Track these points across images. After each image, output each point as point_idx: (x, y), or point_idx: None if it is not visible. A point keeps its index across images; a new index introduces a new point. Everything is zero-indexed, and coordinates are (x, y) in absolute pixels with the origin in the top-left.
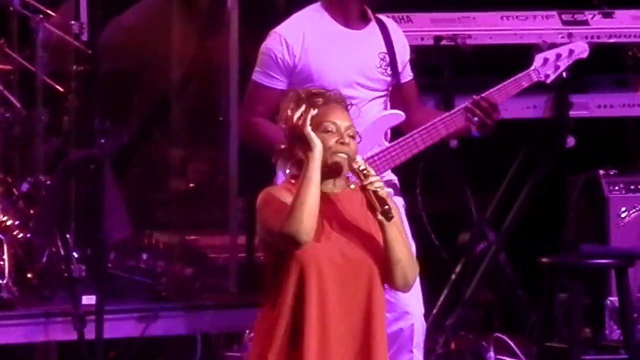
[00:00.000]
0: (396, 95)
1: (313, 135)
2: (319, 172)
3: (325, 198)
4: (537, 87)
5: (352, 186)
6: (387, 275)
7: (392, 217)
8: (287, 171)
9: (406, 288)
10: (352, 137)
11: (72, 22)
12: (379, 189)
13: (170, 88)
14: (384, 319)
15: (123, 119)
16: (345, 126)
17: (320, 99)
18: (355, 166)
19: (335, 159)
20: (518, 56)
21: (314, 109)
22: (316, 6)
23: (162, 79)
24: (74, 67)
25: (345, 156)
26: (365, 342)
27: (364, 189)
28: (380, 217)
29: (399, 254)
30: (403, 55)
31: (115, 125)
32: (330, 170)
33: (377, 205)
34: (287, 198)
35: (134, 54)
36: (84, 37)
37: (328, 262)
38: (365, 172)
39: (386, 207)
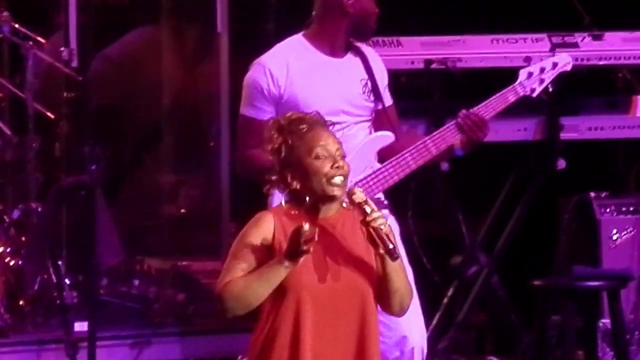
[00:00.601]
0: (380, 120)
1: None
2: (280, 279)
3: (319, 224)
4: (528, 110)
5: (344, 205)
6: (383, 301)
7: (397, 257)
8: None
9: (402, 313)
10: (343, 157)
11: (62, 48)
12: (381, 226)
13: (160, 116)
14: (377, 339)
15: (114, 148)
16: (335, 148)
17: (304, 125)
18: (356, 200)
19: (332, 189)
20: (508, 79)
21: (299, 138)
22: (298, 36)
23: (153, 108)
24: (65, 93)
25: (342, 180)
26: None
27: (365, 224)
28: (382, 252)
29: (397, 284)
30: (382, 79)
31: (106, 153)
32: (327, 198)
33: (379, 243)
34: (267, 230)
35: (123, 87)
36: (74, 64)
37: (321, 288)
38: (366, 207)
39: (390, 246)
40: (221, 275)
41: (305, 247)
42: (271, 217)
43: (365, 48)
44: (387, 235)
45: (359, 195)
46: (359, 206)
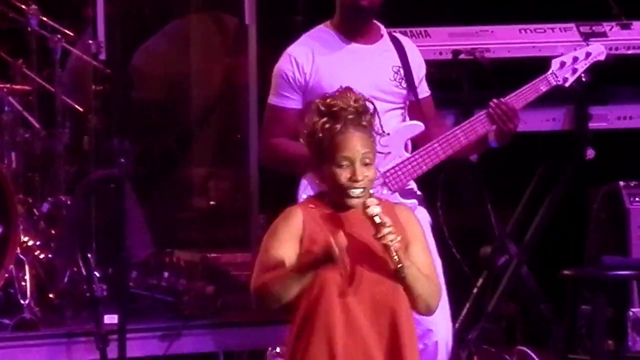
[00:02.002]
0: (414, 111)
1: (334, 249)
2: (314, 270)
3: (337, 219)
4: (556, 100)
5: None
6: (409, 303)
7: (403, 276)
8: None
9: (429, 314)
10: (368, 164)
11: (90, 41)
12: (391, 243)
13: (191, 109)
14: (412, 332)
15: (152, 142)
16: (360, 155)
17: (338, 125)
18: (368, 213)
19: (348, 200)
20: (536, 69)
21: (328, 137)
22: (324, 25)
23: (184, 101)
24: (93, 86)
25: (359, 192)
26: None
27: (376, 238)
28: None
29: (418, 290)
30: (418, 70)
31: (137, 147)
32: (344, 207)
33: (389, 259)
34: (297, 224)
35: (164, 81)
36: (102, 57)
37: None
38: (379, 222)
39: (399, 266)
40: (255, 271)
41: (336, 258)
42: (300, 212)
43: (402, 38)
44: (397, 252)
45: (372, 210)
46: (371, 220)
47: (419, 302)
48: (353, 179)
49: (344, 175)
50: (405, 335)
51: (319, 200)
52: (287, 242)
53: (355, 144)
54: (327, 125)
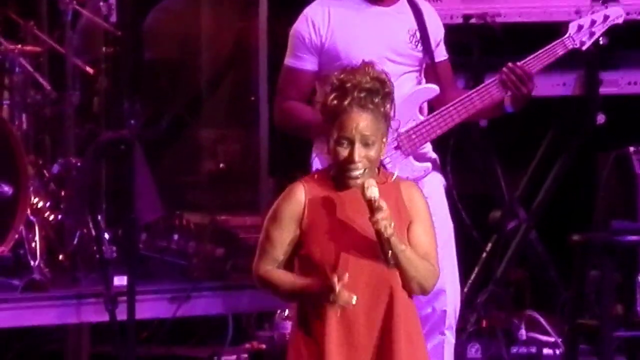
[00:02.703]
0: (430, 74)
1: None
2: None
3: (337, 199)
4: (567, 65)
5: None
6: (403, 283)
7: (392, 264)
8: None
9: (424, 294)
10: (370, 145)
11: (101, 3)
12: (383, 229)
13: (208, 73)
14: (407, 312)
15: (163, 104)
16: (359, 137)
17: (346, 101)
18: (366, 196)
19: (347, 179)
20: (548, 34)
21: (334, 113)
22: None
23: (202, 64)
24: (103, 48)
25: (357, 173)
26: (387, 342)
27: (370, 221)
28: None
29: (411, 272)
30: (436, 33)
31: (153, 110)
32: (345, 184)
33: (380, 244)
34: (298, 203)
35: (179, 40)
36: (113, 19)
37: (348, 259)
38: (376, 205)
39: (389, 254)
40: (257, 253)
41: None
42: (302, 189)
43: (420, 1)
44: (388, 240)
45: (369, 192)
46: (368, 203)
47: (412, 284)
48: (350, 159)
49: (342, 154)
50: (400, 317)
51: (325, 174)
52: (286, 225)
53: (356, 124)
54: (335, 102)
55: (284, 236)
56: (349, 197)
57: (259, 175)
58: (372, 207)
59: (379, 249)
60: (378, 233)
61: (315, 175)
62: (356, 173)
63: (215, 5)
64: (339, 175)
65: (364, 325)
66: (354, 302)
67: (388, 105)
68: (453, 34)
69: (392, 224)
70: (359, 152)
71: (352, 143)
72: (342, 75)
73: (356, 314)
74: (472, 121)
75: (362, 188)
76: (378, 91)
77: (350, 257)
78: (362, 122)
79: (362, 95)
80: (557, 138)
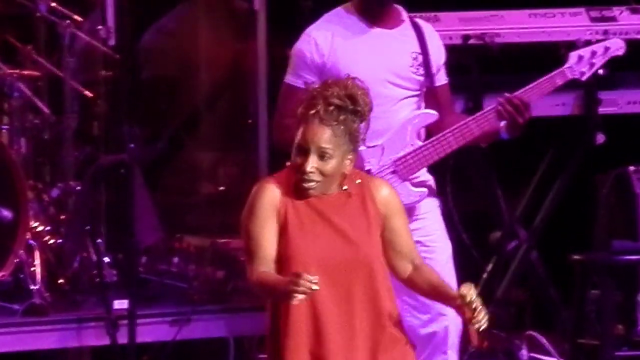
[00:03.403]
0: (430, 98)
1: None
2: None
3: (314, 201)
4: (566, 85)
5: (345, 187)
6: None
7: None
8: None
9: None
10: (327, 159)
11: (99, 27)
12: (480, 326)
13: (205, 93)
14: (392, 302)
15: (160, 125)
16: (315, 148)
17: (313, 111)
18: (466, 299)
19: (302, 186)
20: (546, 54)
21: (301, 120)
22: (346, 6)
23: (199, 84)
24: (102, 72)
25: (309, 187)
26: (377, 336)
27: (468, 321)
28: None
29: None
30: (438, 57)
31: (150, 132)
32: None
33: (471, 340)
34: (274, 196)
35: (175, 59)
36: (112, 42)
37: (318, 262)
38: (475, 307)
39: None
40: (247, 261)
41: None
42: (273, 184)
43: (423, 24)
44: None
45: (470, 294)
46: (468, 305)
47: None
48: (301, 168)
49: (296, 161)
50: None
51: (292, 172)
52: (266, 220)
53: (314, 135)
54: (302, 110)
55: (266, 230)
56: (316, 201)
57: None
58: (472, 309)
59: (356, 246)
60: (471, 328)
61: (283, 174)
62: (308, 185)
63: (213, 25)
64: (296, 181)
65: (337, 316)
66: (315, 288)
67: (356, 124)
68: (452, 54)
69: (486, 322)
70: (312, 163)
71: (307, 153)
72: (318, 86)
73: (326, 306)
74: (469, 145)
75: (462, 296)
76: (346, 108)
77: (318, 251)
78: (320, 134)
79: (329, 109)
80: (556, 158)
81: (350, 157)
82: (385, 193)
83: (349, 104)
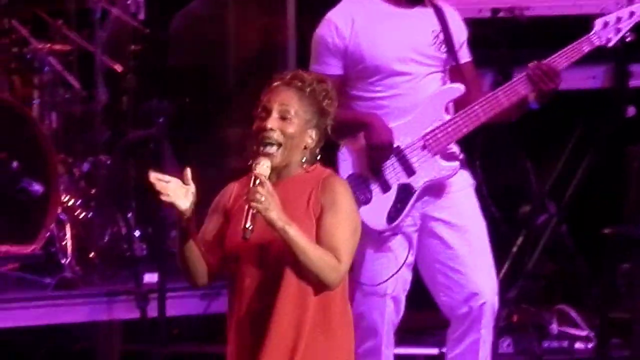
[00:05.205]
0: (455, 76)
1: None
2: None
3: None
4: (596, 58)
5: (304, 164)
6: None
7: (246, 238)
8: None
9: (326, 288)
10: (288, 120)
11: (129, 1)
12: (253, 204)
13: (235, 73)
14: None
15: (189, 101)
16: (276, 107)
17: (276, 82)
18: (254, 169)
19: (260, 156)
20: (576, 27)
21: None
22: None
23: (229, 65)
24: (132, 46)
25: (268, 150)
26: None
27: (245, 194)
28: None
29: (302, 258)
30: (459, 34)
31: (179, 107)
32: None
33: (243, 219)
34: (223, 200)
35: (204, 43)
36: (141, 16)
37: (247, 249)
38: (257, 181)
39: (247, 226)
40: None
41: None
42: (233, 186)
43: (443, 4)
44: (253, 216)
45: (261, 169)
46: (253, 178)
47: (307, 273)
48: (261, 126)
49: (258, 124)
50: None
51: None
52: (210, 216)
53: (277, 96)
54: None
55: (206, 225)
56: (282, 186)
57: None
58: (253, 181)
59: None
60: (248, 208)
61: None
62: (268, 142)
63: (242, 3)
64: (255, 153)
65: (257, 304)
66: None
67: (325, 103)
68: (481, 27)
69: (272, 204)
70: (275, 122)
71: (269, 113)
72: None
73: (249, 292)
74: (498, 121)
75: (254, 163)
76: (312, 83)
77: (257, 241)
78: (284, 95)
79: (295, 79)
80: (586, 131)
81: (313, 133)
82: (330, 187)
83: (313, 80)
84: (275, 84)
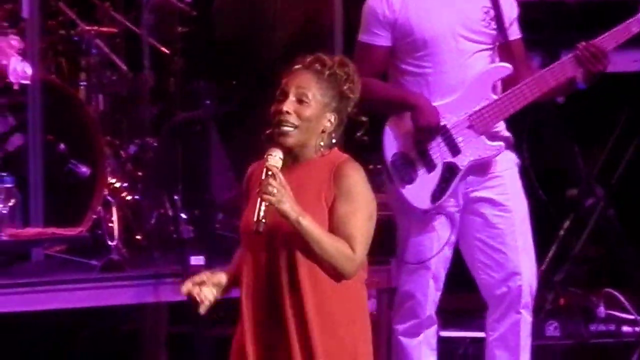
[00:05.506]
0: (504, 53)
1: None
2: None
3: (284, 169)
4: None
5: (322, 147)
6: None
7: (259, 232)
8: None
9: (337, 277)
10: (305, 103)
11: None
12: (265, 197)
13: (280, 51)
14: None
15: (234, 83)
16: (293, 90)
17: (296, 66)
18: (266, 161)
19: (277, 139)
20: (624, 10)
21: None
22: None
23: (274, 41)
24: (179, 28)
25: (283, 131)
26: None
27: (258, 186)
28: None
29: (317, 250)
30: (509, 11)
31: (225, 89)
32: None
33: (255, 212)
34: (244, 185)
35: (249, 18)
36: None
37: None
38: (269, 173)
39: (261, 220)
40: None
41: None
42: (251, 170)
43: None
44: (266, 209)
45: (272, 159)
46: (265, 170)
47: (323, 264)
48: (278, 109)
49: (275, 107)
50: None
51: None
52: (244, 199)
53: (294, 78)
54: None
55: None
56: (285, 169)
57: None
58: (266, 175)
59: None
60: (259, 197)
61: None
62: (283, 127)
63: None
64: (272, 136)
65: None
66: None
67: (346, 86)
68: (528, 10)
69: (285, 195)
70: (291, 105)
71: (286, 96)
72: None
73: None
74: (544, 100)
75: (266, 154)
76: (332, 66)
77: (251, 217)
78: (301, 77)
79: (315, 63)
80: (633, 114)
81: (332, 117)
82: (343, 173)
83: (336, 64)
84: (296, 67)
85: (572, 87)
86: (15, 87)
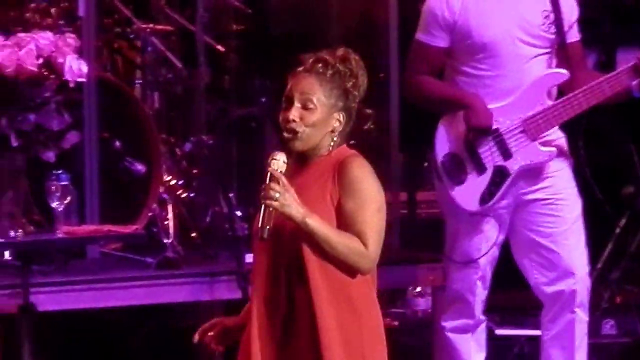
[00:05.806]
0: (561, 55)
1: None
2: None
3: (289, 168)
4: None
5: (332, 145)
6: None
7: (264, 238)
8: None
9: (351, 274)
10: (310, 110)
11: None
12: (268, 202)
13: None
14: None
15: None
16: (298, 96)
17: (299, 68)
18: (268, 166)
19: (284, 138)
20: None
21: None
22: None
23: (329, 38)
24: (234, 26)
25: (289, 137)
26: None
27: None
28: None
29: (327, 249)
30: (569, 14)
31: (281, 86)
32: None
33: (260, 216)
34: None
35: (305, 14)
36: None
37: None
38: (272, 177)
39: (265, 226)
40: None
41: None
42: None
43: None
44: (270, 214)
45: (275, 164)
46: (268, 174)
47: (336, 262)
48: (284, 117)
49: (281, 115)
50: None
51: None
52: None
53: (298, 84)
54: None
55: None
56: (290, 168)
57: (389, 151)
58: (268, 177)
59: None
60: (262, 202)
61: None
62: (289, 134)
63: None
64: (281, 139)
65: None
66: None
67: (349, 83)
68: (584, 6)
69: (289, 199)
70: (296, 112)
71: (291, 103)
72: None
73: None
74: (602, 104)
75: (270, 157)
76: (334, 65)
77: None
78: (305, 82)
79: (317, 63)
80: None
81: (341, 116)
82: (346, 170)
83: (338, 61)
84: (298, 70)
85: (627, 95)
86: (71, 85)
